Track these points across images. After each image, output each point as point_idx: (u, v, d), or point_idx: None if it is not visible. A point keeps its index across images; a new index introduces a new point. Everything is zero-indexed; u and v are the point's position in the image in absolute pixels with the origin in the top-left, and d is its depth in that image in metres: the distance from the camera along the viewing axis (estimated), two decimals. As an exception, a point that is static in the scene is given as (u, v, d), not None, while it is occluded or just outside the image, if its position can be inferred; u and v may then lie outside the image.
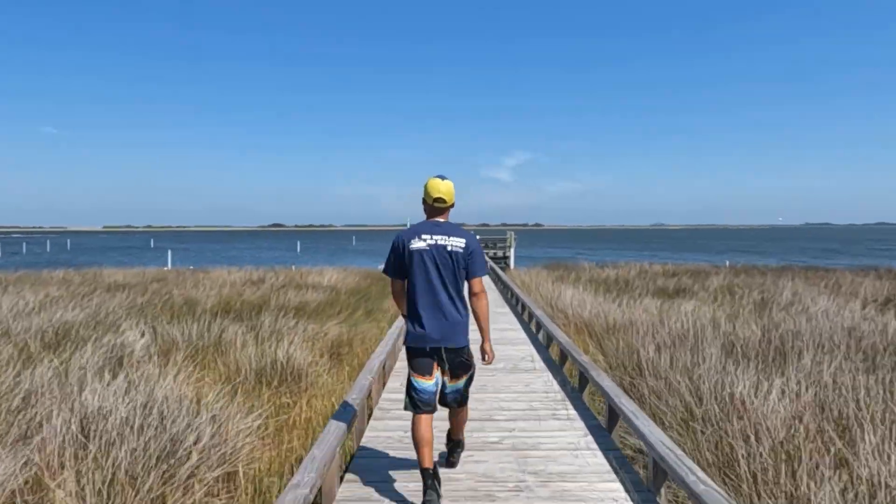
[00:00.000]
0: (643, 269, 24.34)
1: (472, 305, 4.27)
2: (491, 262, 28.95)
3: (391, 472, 4.79)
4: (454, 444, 4.74)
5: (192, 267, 31.71)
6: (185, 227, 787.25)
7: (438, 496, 3.99)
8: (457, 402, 4.39)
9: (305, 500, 3.51)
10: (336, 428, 4.62)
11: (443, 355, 4.17)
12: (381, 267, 4.59)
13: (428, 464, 4.02)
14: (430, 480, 3.98)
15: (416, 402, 4.16)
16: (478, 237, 37.92)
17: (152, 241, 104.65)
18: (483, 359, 4.38)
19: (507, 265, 43.23)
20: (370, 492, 4.48)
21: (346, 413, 5.00)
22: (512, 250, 43.44)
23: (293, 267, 30.68)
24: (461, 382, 4.32)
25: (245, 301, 15.07)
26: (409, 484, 4.54)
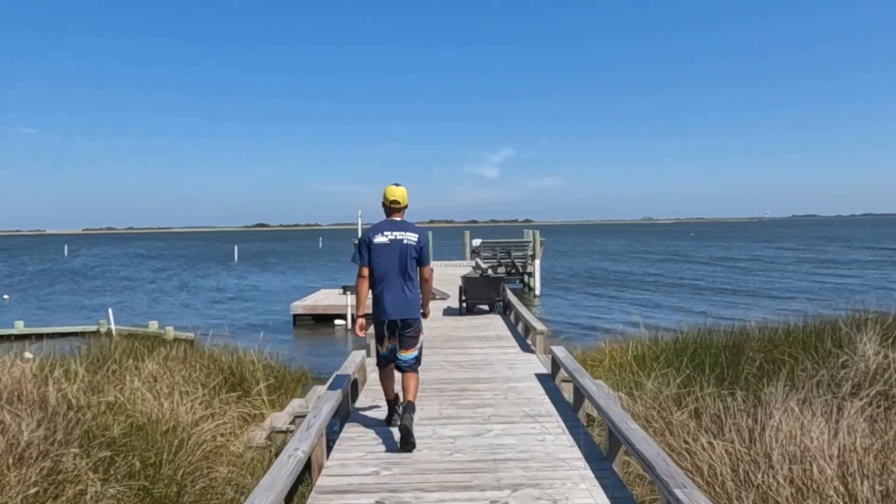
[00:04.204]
0: None
1: (421, 287, 5.25)
2: (511, 298, 11.50)
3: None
4: (407, 407, 5.07)
5: None
6: (167, 228, 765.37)
7: (399, 417, 5.00)
8: (410, 368, 5.21)
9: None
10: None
11: (398, 326, 5.12)
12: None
13: (390, 395, 5.49)
14: (393, 405, 5.47)
15: (379, 359, 5.38)
16: (478, 241, 25.47)
17: (66, 247, 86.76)
18: (423, 316, 5.37)
19: (532, 289, 25.52)
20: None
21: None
22: (538, 263, 25.82)
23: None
24: (412, 354, 5.22)
25: None
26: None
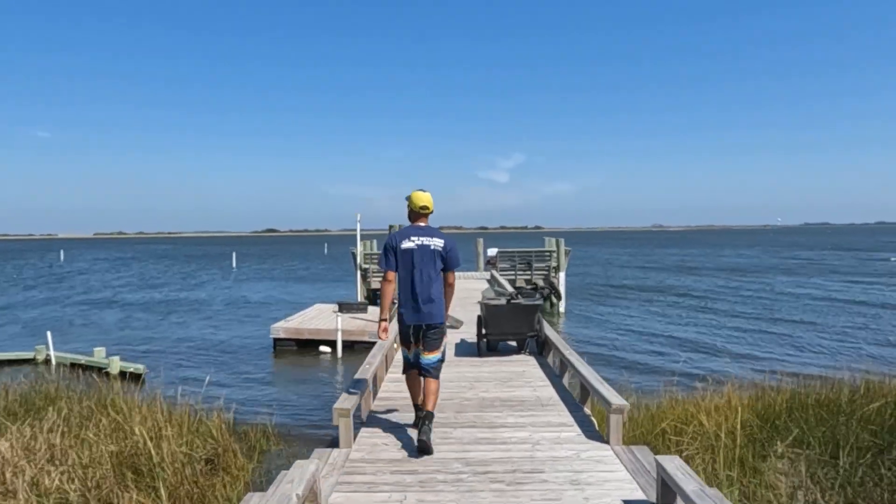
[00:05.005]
0: None
1: (444, 291, 5.23)
2: (550, 335, 8.16)
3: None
4: (425, 416, 5.08)
5: None
6: (178, 232, 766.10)
7: (418, 428, 5.04)
8: (431, 373, 5.20)
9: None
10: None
11: (423, 330, 5.15)
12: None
13: (418, 399, 5.38)
14: (420, 411, 5.25)
15: (406, 364, 5.43)
16: (494, 251, 22.83)
17: (62, 252, 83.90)
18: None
19: (555, 305, 22.21)
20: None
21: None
22: (562, 275, 22.52)
23: None
24: (436, 356, 5.21)
25: None
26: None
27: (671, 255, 66.56)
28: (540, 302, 8.70)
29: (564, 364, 7.42)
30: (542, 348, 8.75)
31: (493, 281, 19.82)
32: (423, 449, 4.89)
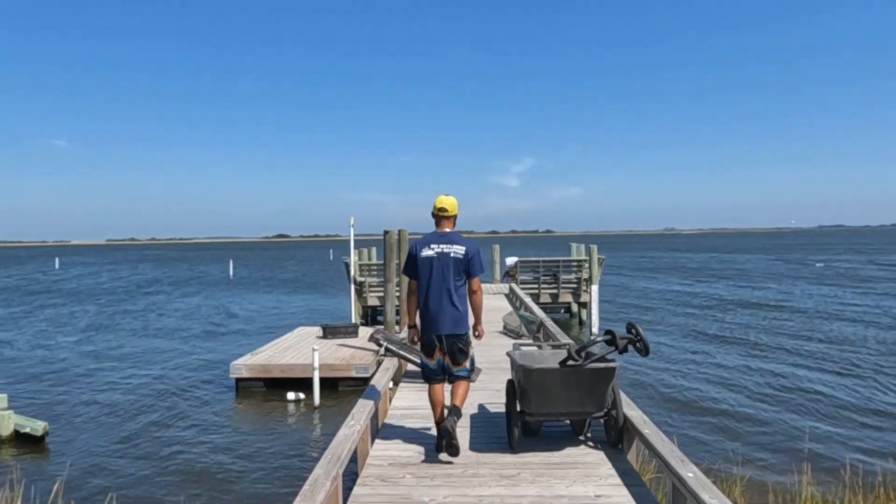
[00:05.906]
0: None
1: (470, 299, 5.09)
2: (635, 418, 4.55)
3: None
4: (451, 410, 5.07)
5: None
6: (189, 238, 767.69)
7: (444, 419, 4.98)
8: (461, 378, 5.14)
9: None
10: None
11: (444, 341, 4.99)
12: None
13: (440, 418, 5.06)
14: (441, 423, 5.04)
15: (427, 375, 5.21)
16: (514, 259, 20.03)
17: (57, 259, 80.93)
18: (474, 335, 5.22)
19: (585, 322, 18.56)
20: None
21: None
22: (595, 288, 18.91)
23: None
24: (465, 367, 5.12)
25: None
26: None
27: (692, 260, 62.77)
28: (616, 364, 5.12)
29: (680, 494, 3.90)
30: (619, 437, 5.21)
31: (513, 297, 16.35)
32: (448, 442, 4.82)
